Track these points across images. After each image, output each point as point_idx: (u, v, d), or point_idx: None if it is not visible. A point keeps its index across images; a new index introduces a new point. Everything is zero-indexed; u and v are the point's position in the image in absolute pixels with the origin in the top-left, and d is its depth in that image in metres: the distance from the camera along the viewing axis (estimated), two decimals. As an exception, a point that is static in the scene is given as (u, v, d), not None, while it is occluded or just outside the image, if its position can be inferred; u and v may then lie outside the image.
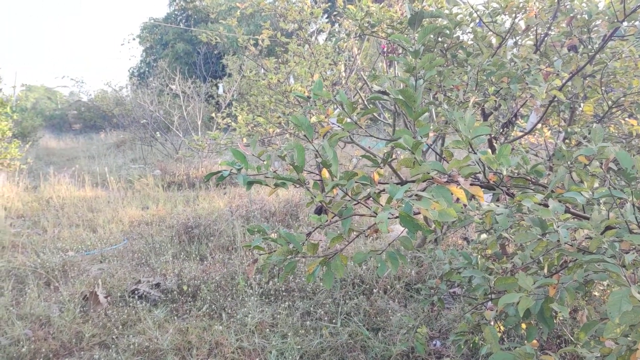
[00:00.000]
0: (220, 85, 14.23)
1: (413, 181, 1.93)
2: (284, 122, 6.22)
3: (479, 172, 1.79)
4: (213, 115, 9.79)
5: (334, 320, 4.08)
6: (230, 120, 7.02)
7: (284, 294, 4.61)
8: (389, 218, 1.51)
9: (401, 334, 3.75)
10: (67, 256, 5.89)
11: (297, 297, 4.55)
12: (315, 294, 4.56)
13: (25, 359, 3.72)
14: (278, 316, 4.17)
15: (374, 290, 4.50)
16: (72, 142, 22.32)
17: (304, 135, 1.86)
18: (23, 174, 10.73)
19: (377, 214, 1.76)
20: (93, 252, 6.12)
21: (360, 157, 6.90)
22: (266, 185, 1.87)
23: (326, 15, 12.38)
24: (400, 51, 6.16)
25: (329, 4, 6.40)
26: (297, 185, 1.85)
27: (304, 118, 1.85)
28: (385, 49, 5.77)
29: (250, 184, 1.81)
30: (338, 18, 6.18)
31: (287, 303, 4.38)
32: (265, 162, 1.91)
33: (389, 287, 4.60)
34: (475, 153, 1.66)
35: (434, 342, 3.74)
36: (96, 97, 27.06)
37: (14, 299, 4.73)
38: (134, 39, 31.98)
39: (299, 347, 3.70)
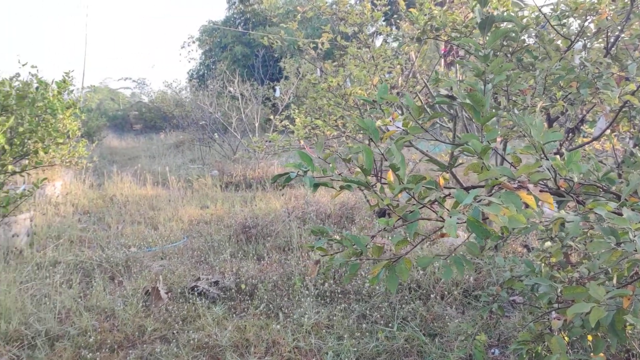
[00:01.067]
0: (277, 88, 14.41)
1: (480, 186, 1.91)
2: (341, 125, 6.25)
3: (549, 179, 1.76)
4: (270, 117, 9.93)
5: (390, 324, 4.06)
6: (288, 123, 7.12)
7: (339, 296, 4.63)
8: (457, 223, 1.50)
9: (459, 341, 3.70)
10: (130, 252, 6.10)
11: (353, 299, 4.56)
12: (371, 297, 4.56)
13: (92, 349, 3.87)
14: (334, 318, 4.19)
15: (431, 296, 4.46)
16: (134, 141, 23.09)
17: (370, 139, 1.88)
18: (89, 172, 11.20)
19: (443, 219, 1.75)
20: (154, 249, 6.32)
21: (418, 161, 6.85)
22: (331, 187, 1.89)
23: (383, 18, 12.35)
24: (460, 54, 6.09)
25: (389, 7, 6.39)
26: (362, 188, 1.86)
27: (371, 121, 1.87)
28: (445, 53, 5.71)
29: (316, 186, 1.84)
30: (398, 21, 6.17)
31: (342, 305, 4.40)
32: (331, 165, 1.93)
33: (446, 292, 4.55)
34: (547, 159, 1.63)
35: (492, 351, 3.68)
36: (156, 98, 27.89)
37: (82, 292, 4.94)
38: (193, 42, 32.81)
39: (355, 349, 3.71)
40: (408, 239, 1.78)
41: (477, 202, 1.51)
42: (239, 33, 27.75)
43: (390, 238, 2.01)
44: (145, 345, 3.96)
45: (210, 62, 30.72)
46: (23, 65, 5.52)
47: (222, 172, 12.05)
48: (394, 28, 7.05)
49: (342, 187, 1.88)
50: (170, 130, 23.21)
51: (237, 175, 11.39)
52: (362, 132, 6.38)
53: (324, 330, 4.01)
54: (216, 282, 5.00)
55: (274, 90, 15.83)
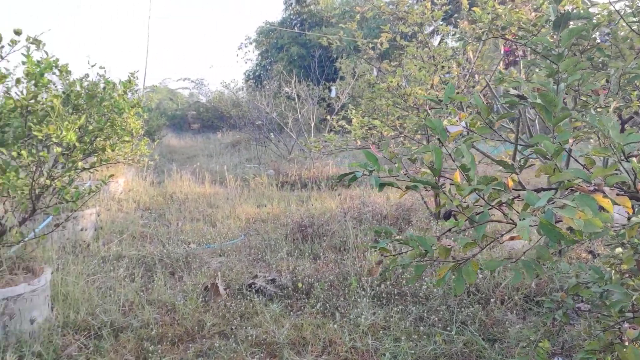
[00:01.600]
0: (332, 88, 14.47)
1: (551, 188, 1.85)
2: (399, 125, 6.20)
3: (626, 182, 1.69)
4: (327, 117, 9.97)
5: (448, 328, 4.00)
6: (344, 123, 7.13)
7: (396, 297, 4.60)
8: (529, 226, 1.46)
9: (520, 347, 3.61)
10: (189, 248, 6.25)
11: (410, 301, 4.52)
12: (428, 300, 4.50)
13: (154, 341, 3.98)
14: (390, 319, 4.17)
15: (491, 300, 4.37)
16: (191, 140, 23.63)
17: (437, 139, 1.86)
18: (150, 170, 11.54)
19: (513, 221, 1.71)
20: (213, 246, 6.45)
21: (477, 162, 6.73)
22: (397, 187, 1.88)
23: (442, 17, 12.21)
24: (519, 54, 5.94)
25: (449, 6, 6.30)
26: (427, 189, 1.84)
27: (438, 121, 1.84)
28: (507, 52, 5.58)
29: (382, 185, 1.83)
30: (458, 20, 6.07)
31: (399, 307, 4.37)
32: (396, 165, 1.92)
33: (506, 297, 4.44)
34: (627, 161, 1.57)
35: (555, 359, 3.57)
36: (214, 98, 28.45)
37: (144, 285, 5.10)
38: (250, 43, 33.30)
39: (412, 351, 3.67)
40: (477, 241, 1.75)
41: (551, 204, 1.47)
42: (295, 34, 27.97)
43: (456, 240, 1.98)
44: (204, 340, 4.05)
45: (267, 62, 31.11)
46: (92, 66, 5.73)
47: (278, 171, 12.18)
48: (451, 27, 6.94)
49: (408, 188, 1.86)
50: (227, 129, 23.63)
51: (293, 175, 11.49)
52: (419, 132, 6.32)
53: (380, 332, 3.99)
54: (273, 280, 5.06)
55: (330, 91, 15.89)
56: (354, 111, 6.94)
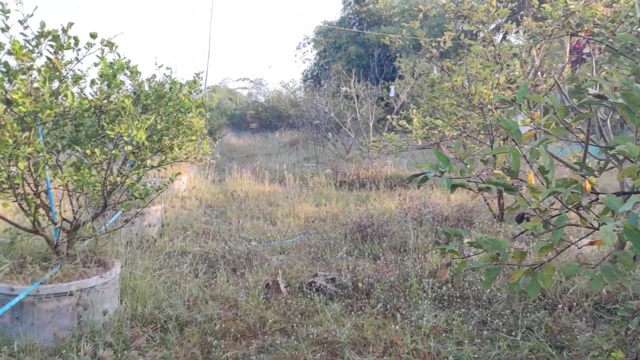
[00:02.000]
0: (391, 87, 14.37)
1: (635, 192, 1.78)
2: (461, 125, 6.10)
3: None
4: (387, 117, 9.92)
5: (512, 333, 3.90)
6: (405, 123, 7.07)
7: (458, 300, 4.52)
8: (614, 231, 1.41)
9: (590, 357, 3.47)
10: (250, 246, 6.35)
11: (472, 304, 4.43)
12: (492, 304, 4.41)
13: (217, 336, 4.06)
14: (453, 322, 4.10)
15: (558, 306, 4.23)
16: (250, 140, 24.03)
17: (512, 140, 1.81)
18: (211, 168, 11.81)
19: (592, 225, 1.65)
20: (273, 244, 6.53)
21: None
22: (469, 189, 1.85)
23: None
24: (591, 51, 5.71)
25: (515, 3, 6.14)
26: (501, 190, 1.80)
27: (513, 122, 1.80)
28: (578, 49, 5.39)
29: (454, 187, 1.80)
30: (524, 18, 5.91)
31: (461, 310, 4.30)
32: (468, 166, 1.89)
33: (574, 304, 4.29)
34: None
35: (628, 369, 3.41)
36: (272, 98, 28.78)
37: (207, 281, 5.22)
38: (308, 43, 33.52)
39: (476, 356, 3.61)
40: (553, 245, 1.69)
41: (637, 209, 1.41)
42: (354, 33, 27.96)
43: (529, 243, 1.93)
44: (266, 337, 4.10)
45: (324, 62, 31.24)
46: (159, 67, 5.91)
47: (336, 171, 12.21)
48: (514, 25, 6.75)
49: (480, 189, 1.83)
50: (285, 129, 23.88)
51: (351, 175, 11.49)
52: (482, 132, 6.19)
53: (443, 335, 3.93)
54: (333, 279, 5.07)
55: (388, 90, 15.79)
56: (414, 110, 6.87)
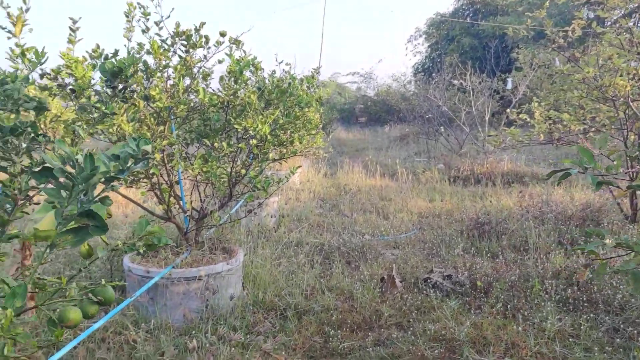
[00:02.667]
0: (508, 79, 13.80)
1: None
2: (589, 119, 5.74)
3: None
4: (507, 110, 9.54)
5: (649, 343, 3.63)
6: (526, 116, 6.76)
7: (585, 304, 4.27)
8: None
9: None
10: (364, 239, 6.39)
11: (602, 310, 4.17)
12: (624, 310, 4.12)
13: (334, 327, 4.13)
14: (580, 327, 3.88)
15: (702, 316, 3.87)
16: (359, 134, 24.12)
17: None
18: (323, 161, 12.01)
19: None
20: (387, 238, 6.53)
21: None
22: (617, 187, 1.74)
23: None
24: None
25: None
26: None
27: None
28: None
29: (599, 184, 1.71)
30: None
31: (589, 315, 4.06)
32: (615, 162, 1.78)
33: None
34: None
35: None
36: (381, 91, 28.68)
37: (323, 272, 5.32)
38: (420, 35, 33.02)
39: (607, 364, 3.39)
40: None
41: None
42: (467, 24, 27.16)
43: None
44: (382, 330, 4.11)
45: (436, 55, 30.66)
46: (279, 63, 6.09)
47: (448, 165, 11.95)
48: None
49: (629, 187, 1.72)
50: (395, 123, 23.71)
51: (465, 170, 11.20)
52: (614, 126, 5.78)
53: (569, 339, 3.74)
54: (449, 276, 4.98)
55: (504, 83, 15.18)
56: (536, 104, 6.55)
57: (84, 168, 0.99)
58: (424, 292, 4.70)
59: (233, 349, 3.65)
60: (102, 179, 1.03)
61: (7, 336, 0.98)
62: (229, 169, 4.53)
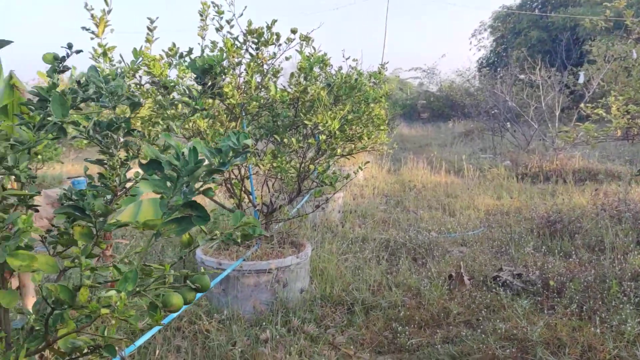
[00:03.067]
0: (580, 73, 13.27)
1: None
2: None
3: None
4: (574, 105, 9.20)
5: None
6: (602, 111, 6.50)
7: (667, 308, 4.08)
8: None
9: None
10: (430, 236, 6.33)
11: (689, 315, 3.97)
12: None
13: (401, 323, 4.12)
14: (664, 332, 3.71)
15: None
16: (422, 130, 23.83)
17: None
18: (387, 158, 11.95)
19: None
20: (454, 235, 6.44)
21: None
22: None
23: None
24: None
25: None
26: None
27: None
28: None
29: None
30: None
31: (674, 320, 3.87)
32: None
33: None
34: None
35: None
36: (444, 87, 28.20)
37: (389, 268, 5.32)
38: (485, 29, 32.23)
39: (693, 371, 3.23)
40: None
41: None
42: (536, 17, 26.30)
43: None
44: (450, 327, 4.07)
45: (501, 49, 29.88)
46: (347, 58, 6.11)
47: (516, 162, 11.64)
48: None
49: None
50: (458, 118, 23.28)
51: (533, 167, 10.88)
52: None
53: (651, 344, 3.58)
54: (519, 275, 4.87)
55: (576, 76, 14.63)
56: (613, 98, 6.28)
57: (189, 161, 1.05)
58: (493, 290, 4.62)
59: (303, 341, 3.71)
60: (205, 172, 1.08)
61: (122, 317, 1.05)
62: (297, 165, 4.59)
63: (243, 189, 4.59)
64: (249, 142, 1.15)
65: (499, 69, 20.12)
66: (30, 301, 3.31)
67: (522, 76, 15.14)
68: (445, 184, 9.86)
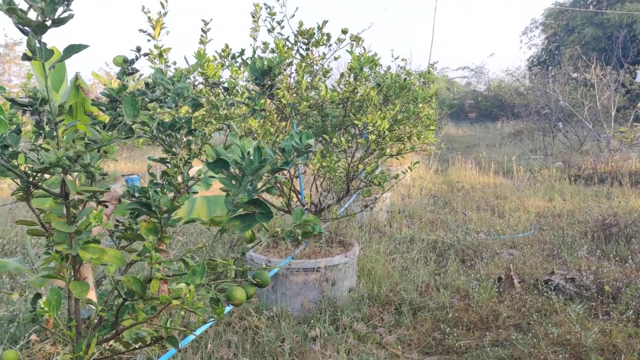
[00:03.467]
0: (638, 72, 12.82)
1: None
2: None
3: None
4: (639, 105, 8.89)
5: None
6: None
7: None
8: None
9: None
10: (478, 237, 6.25)
11: None
12: None
13: (449, 324, 4.10)
14: None
15: None
16: (469, 129, 23.47)
17: None
18: (434, 158, 11.84)
19: None
20: (503, 237, 6.34)
21: None
22: None
23: None
24: None
25: None
26: None
27: None
28: None
29: None
30: None
31: None
32: None
33: None
34: None
35: None
36: (493, 86, 27.67)
37: (437, 269, 5.28)
38: (536, 27, 31.44)
39: None
40: None
41: None
42: (590, 14, 25.49)
43: None
44: (500, 330, 4.02)
45: (553, 47, 29.08)
46: (395, 58, 6.09)
47: (568, 163, 11.34)
48: None
49: None
50: (507, 118, 22.82)
51: (586, 168, 10.57)
52: None
53: None
54: (572, 279, 4.75)
55: (633, 75, 14.13)
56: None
57: (253, 160, 1.09)
58: (545, 294, 4.53)
59: (351, 340, 3.74)
60: (269, 170, 1.12)
61: (191, 309, 1.10)
62: (346, 164, 4.61)
63: (292, 188, 4.64)
64: (312, 142, 1.18)
65: (550, 68, 19.61)
66: (91, 293, 3.45)
67: (575, 75, 14.72)
68: (493, 185, 9.70)
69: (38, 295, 1.51)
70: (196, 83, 4.13)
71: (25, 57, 1.13)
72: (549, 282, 4.75)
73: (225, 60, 4.28)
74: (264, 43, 4.31)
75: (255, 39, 4.35)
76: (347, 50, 4.30)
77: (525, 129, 18.88)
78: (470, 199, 8.67)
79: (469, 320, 4.16)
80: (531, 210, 7.65)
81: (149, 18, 3.89)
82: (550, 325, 3.95)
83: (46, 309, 1.37)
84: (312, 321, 4.02)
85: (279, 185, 4.51)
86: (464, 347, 3.79)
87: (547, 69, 20.96)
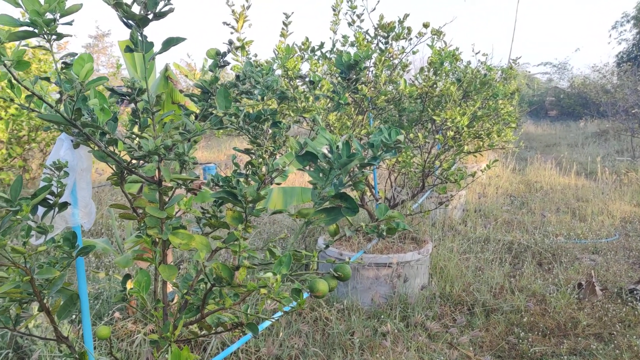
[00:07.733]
0: None
1: None
2: None
3: None
4: None
5: None
6: None
7: None
8: None
9: None
10: (557, 240, 6.01)
11: None
12: None
13: (524, 329, 3.97)
14: None
15: None
16: (549, 128, 22.52)
17: None
18: (512, 156, 11.47)
19: None
20: (584, 242, 6.06)
21: None
22: None
23: None
24: None
25: None
26: None
27: None
28: None
29: None
30: None
31: None
32: None
33: None
34: None
35: None
36: (576, 83, 26.39)
37: (512, 271, 5.12)
38: (628, 21, 29.72)
39: None
40: None
41: None
42: (689, 7, 23.80)
43: None
44: (578, 339, 3.85)
45: (645, 42, 27.41)
46: (476, 53, 5.93)
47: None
48: None
49: None
50: (591, 117, 21.73)
51: (682, 172, 9.92)
52: None
53: None
54: (661, 290, 4.49)
55: None
56: None
57: (342, 154, 1.09)
58: (630, 303, 4.31)
59: (422, 338, 3.70)
60: (358, 165, 1.12)
61: (277, 298, 1.12)
62: (422, 160, 4.55)
63: (366, 182, 4.63)
64: (402, 138, 1.17)
65: (643, 64, 18.48)
66: (171, 276, 3.58)
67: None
68: (575, 187, 9.28)
69: (128, 276, 1.59)
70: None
71: (128, 50, 1.18)
72: (635, 292, 4.50)
73: (304, 53, 4.32)
74: (344, 36, 4.31)
75: (335, 32, 4.36)
76: (427, 45, 4.24)
77: (611, 129, 17.91)
78: (549, 200, 8.34)
79: (545, 325, 4.02)
80: (616, 214, 7.27)
81: (232, 11, 3.97)
82: (634, 337, 3.76)
83: (136, 289, 1.44)
84: (382, 316, 4.01)
85: (353, 179, 4.51)
86: (539, 354, 3.67)
87: (638, 66, 19.78)
